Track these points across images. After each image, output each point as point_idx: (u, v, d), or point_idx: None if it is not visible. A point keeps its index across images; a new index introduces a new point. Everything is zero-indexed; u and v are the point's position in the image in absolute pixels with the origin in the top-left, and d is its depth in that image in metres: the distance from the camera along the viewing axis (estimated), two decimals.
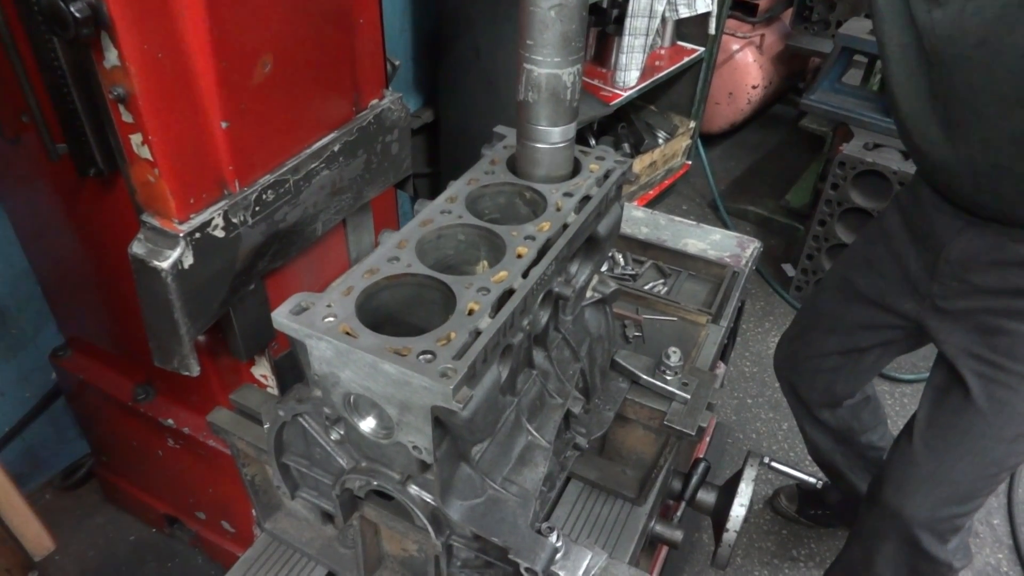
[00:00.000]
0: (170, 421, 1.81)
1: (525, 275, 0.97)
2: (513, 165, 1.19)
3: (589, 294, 1.29)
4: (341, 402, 0.93)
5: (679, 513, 1.89)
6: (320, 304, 0.90)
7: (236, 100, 1.24)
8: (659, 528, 1.65)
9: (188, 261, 1.25)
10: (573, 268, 1.21)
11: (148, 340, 1.38)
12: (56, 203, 1.53)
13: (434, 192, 3.41)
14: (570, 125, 1.11)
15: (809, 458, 2.57)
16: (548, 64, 1.03)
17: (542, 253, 1.01)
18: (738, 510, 1.62)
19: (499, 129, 1.30)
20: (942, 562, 1.55)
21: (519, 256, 1.00)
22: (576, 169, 1.20)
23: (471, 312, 0.90)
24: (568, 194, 1.13)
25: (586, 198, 1.14)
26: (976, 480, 1.50)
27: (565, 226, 1.07)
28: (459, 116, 2.93)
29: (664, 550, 1.97)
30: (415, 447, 0.90)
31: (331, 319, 0.88)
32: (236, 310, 1.47)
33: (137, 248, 1.24)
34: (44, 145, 1.29)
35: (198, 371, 1.40)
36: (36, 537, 1.31)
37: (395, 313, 0.99)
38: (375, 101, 1.63)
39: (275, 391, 1.69)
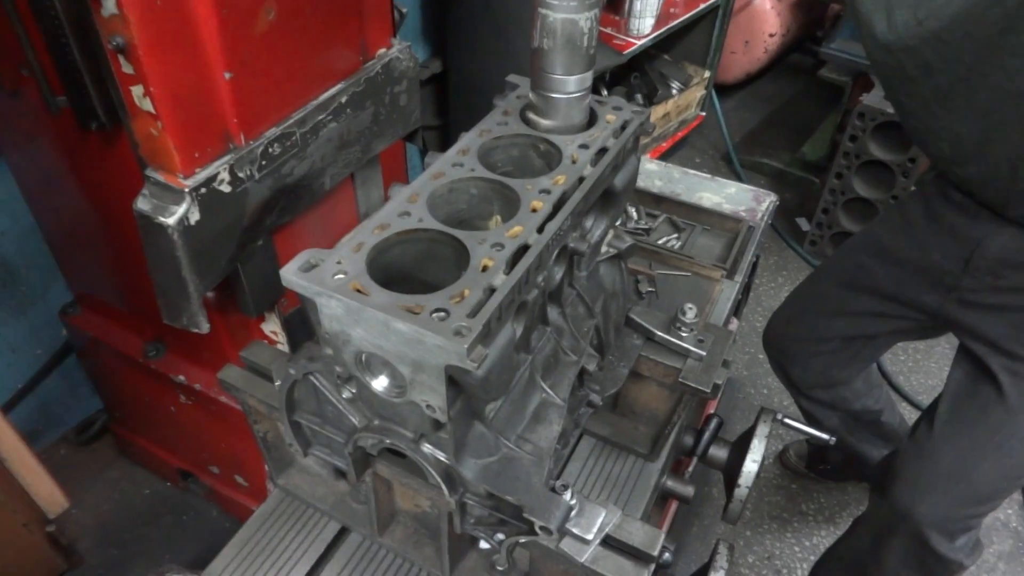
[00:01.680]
0: (181, 378, 1.81)
1: (540, 230, 0.94)
2: (526, 116, 1.14)
3: (604, 249, 1.26)
4: (353, 361, 0.91)
5: (691, 468, 1.90)
6: (330, 261, 0.87)
7: (239, 49, 1.20)
8: (671, 483, 1.65)
9: (194, 217, 1.23)
10: (588, 223, 1.18)
11: (156, 297, 1.36)
12: (59, 158, 1.50)
13: (443, 145, 3.35)
14: (587, 74, 1.07)
15: None
16: (564, 8, 0.98)
17: (557, 207, 0.98)
18: (750, 466, 1.61)
19: (511, 78, 1.25)
20: (951, 560, 1.51)
21: (534, 210, 0.97)
22: (592, 120, 1.16)
23: (485, 268, 0.88)
24: (584, 146, 1.09)
25: (603, 150, 1.10)
26: (998, 481, 1.45)
27: (581, 179, 1.04)
28: (468, 66, 2.86)
29: (674, 504, 1.98)
30: (428, 406, 0.88)
31: (341, 276, 0.86)
32: (245, 266, 1.45)
33: (142, 204, 1.22)
34: (44, 98, 1.25)
35: (207, 328, 1.38)
36: (50, 495, 1.32)
37: (407, 269, 0.96)
38: (383, 50, 1.58)
39: (285, 347, 1.68)
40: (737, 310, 2.37)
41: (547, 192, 0.99)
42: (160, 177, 1.22)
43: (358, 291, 0.84)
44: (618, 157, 1.11)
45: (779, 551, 2.20)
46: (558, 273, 1.08)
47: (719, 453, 1.72)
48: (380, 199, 1.86)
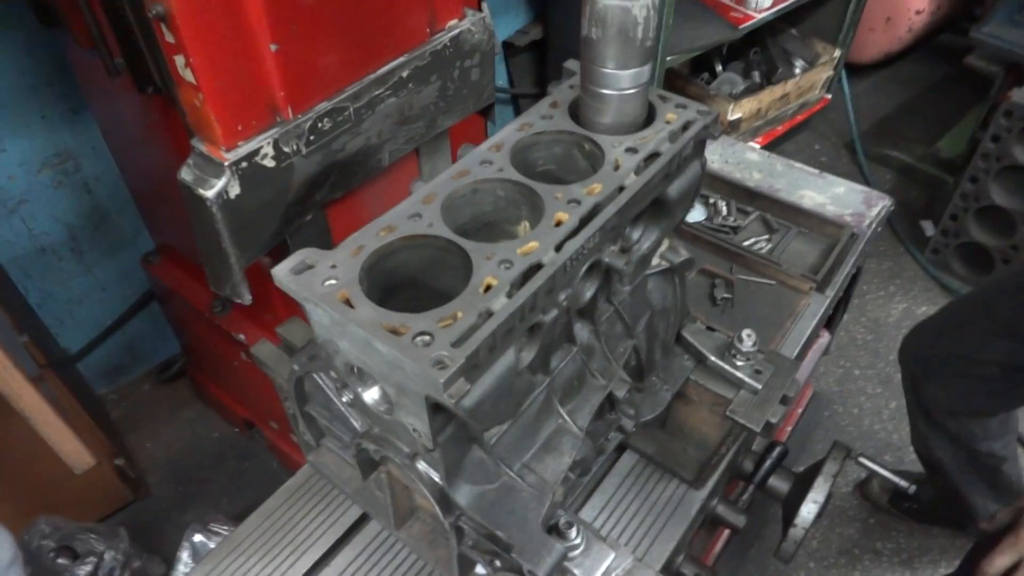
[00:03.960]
0: (242, 336, 1.84)
1: (559, 248, 0.84)
2: (574, 110, 1.03)
3: (656, 261, 1.14)
4: (344, 369, 0.85)
5: (747, 496, 1.75)
6: (323, 264, 0.81)
7: (287, 20, 1.15)
8: (721, 509, 1.52)
9: (235, 191, 1.21)
10: (636, 233, 1.06)
11: (203, 264, 1.37)
12: (129, 115, 1.53)
13: None
14: (642, 68, 0.94)
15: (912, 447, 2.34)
16: None
17: (585, 222, 0.87)
18: (810, 507, 1.46)
19: (569, 64, 1.13)
20: None
21: (557, 224, 0.87)
22: (650, 119, 1.03)
23: (487, 288, 0.79)
24: (632, 149, 0.97)
25: (654, 155, 0.98)
26: None
27: (621, 189, 0.92)
28: (569, 33, 2.72)
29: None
30: (415, 430, 0.82)
31: (332, 282, 0.80)
32: (293, 239, 1.43)
33: (185, 174, 1.21)
34: (103, 60, 1.25)
35: (249, 299, 1.38)
36: (75, 453, 1.36)
37: (414, 275, 0.89)
38: (454, 22, 1.49)
39: None
40: (831, 323, 2.16)
41: (577, 203, 0.89)
42: (203, 148, 1.20)
43: (346, 301, 0.78)
44: (672, 164, 0.99)
45: None
46: (588, 290, 0.98)
47: (780, 484, 1.58)
48: None
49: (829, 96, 3.53)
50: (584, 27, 0.92)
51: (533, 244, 0.84)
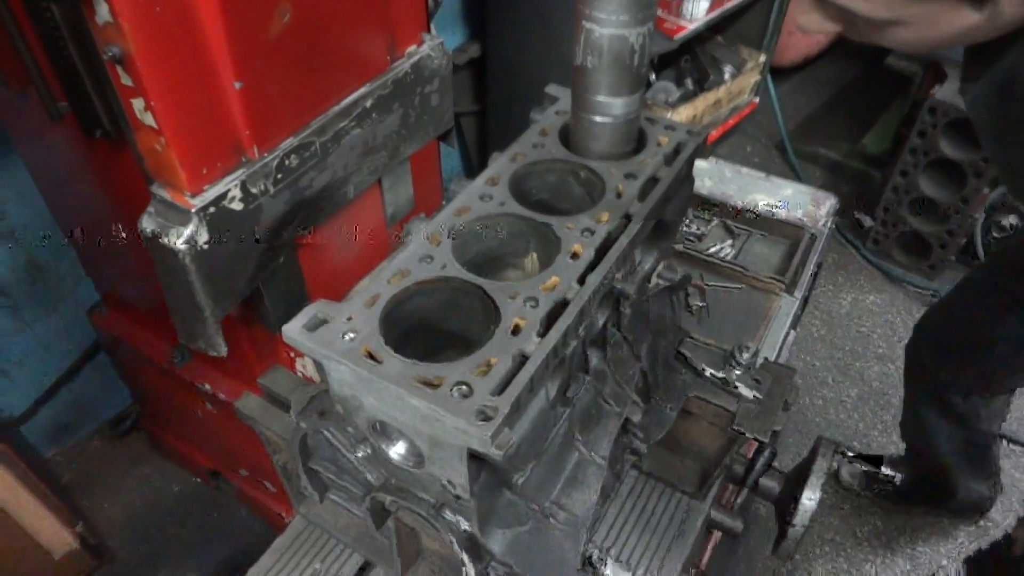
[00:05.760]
0: (207, 386, 1.74)
1: (581, 281, 0.82)
2: (566, 136, 1.02)
3: (653, 281, 1.13)
4: (366, 426, 0.81)
5: (739, 499, 1.77)
6: (339, 317, 0.77)
7: (251, 56, 1.09)
8: (717, 515, 1.53)
9: (203, 238, 1.14)
10: (636, 256, 1.05)
11: (171, 318, 1.29)
12: (69, 161, 1.43)
13: (480, 132, 3.22)
14: (635, 96, 0.94)
15: (878, 430, 2.42)
16: (612, 23, 0.85)
17: (601, 253, 0.86)
18: (807, 504, 1.48)
19: (551, 89, 1.12)
20: None
21: (574, 255, 0.85)
22: (641, 142, 1.02)
23: (516, 330, 0.76)
24: (631, 175, 0.96)
25: (652, 180, 0.97)
26: None
27: (628, 217, 0.91)
28: (508, 51, 2.71)
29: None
30: (448, 482, 0.78)
31: (351, 336, 0.75)
32: (266, 284, 1.36)
33: (147, 223, 1.13)
34: (44, 104, 1.17)
35: (225, 351, 1.30)
36: (55, 535, 1.26)
37: (428, 319, 0.86)
38: (413, 48, 1.46)
39: (310, 364, 1.60)
40: (795, 321, 2.21)
41: (590, 233, 0.87)
42: (166, 195, 1.13)
43: (370, 355, 0.74)
44: (671, 188, 0.98)
45: None
46: (601, 318, 0.96)
47: (771, 484, 1.59)
48: (409, 199, 1.75)
49: (757, 99, 3.64)
50: (578, 56, 0.90)
51: (555, 279, 0.81)
